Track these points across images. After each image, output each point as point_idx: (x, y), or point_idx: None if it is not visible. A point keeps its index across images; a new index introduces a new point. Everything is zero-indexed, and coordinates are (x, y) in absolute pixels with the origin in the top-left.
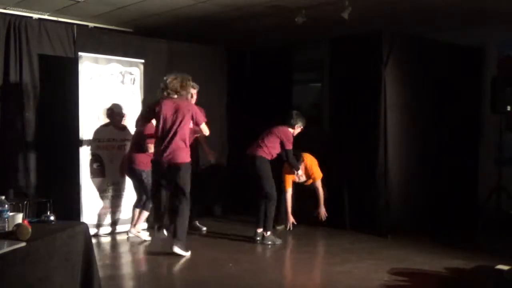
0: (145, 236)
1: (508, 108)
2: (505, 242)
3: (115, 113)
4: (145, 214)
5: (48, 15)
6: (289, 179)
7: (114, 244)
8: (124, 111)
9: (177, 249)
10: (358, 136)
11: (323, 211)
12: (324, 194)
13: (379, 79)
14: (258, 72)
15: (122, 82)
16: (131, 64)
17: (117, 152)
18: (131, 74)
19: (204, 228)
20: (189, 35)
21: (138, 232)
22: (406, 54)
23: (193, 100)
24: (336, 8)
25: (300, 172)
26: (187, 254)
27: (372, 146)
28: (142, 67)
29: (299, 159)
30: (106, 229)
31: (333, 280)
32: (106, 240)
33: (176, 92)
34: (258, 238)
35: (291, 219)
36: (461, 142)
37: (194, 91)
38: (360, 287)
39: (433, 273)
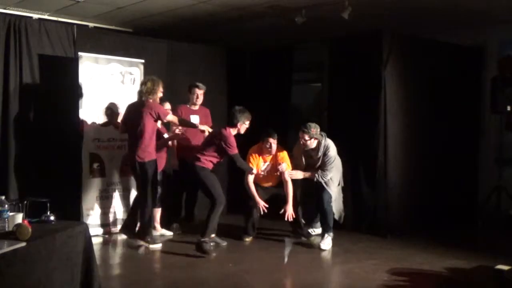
0: (169, 234)
1: (508, 108)
2: (505, 242)
3: (114, 113)
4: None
5: (48, 15)
6: (255, 159)
7: (114, 244)
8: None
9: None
10: (358, 136)
11: (290, 210)
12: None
13: (379, 79)
14: (258, 72)
15: (122, 82)
16: (131, 64)
17: (117, 152)
18: (131, 74)
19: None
20: (189, 35)
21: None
22: (406, 54)
23: (199, 101)
24: (336, 8)
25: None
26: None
27: (372, 146)
28: (142, 67)
29: (269, 135)
30: (106, 229)
31: (333, 280)
32: (106, 240)
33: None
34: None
35: (261, 202)
36: (461, 142)
37: (200, 92)
38: (360, 287)
39: (433, 273)
